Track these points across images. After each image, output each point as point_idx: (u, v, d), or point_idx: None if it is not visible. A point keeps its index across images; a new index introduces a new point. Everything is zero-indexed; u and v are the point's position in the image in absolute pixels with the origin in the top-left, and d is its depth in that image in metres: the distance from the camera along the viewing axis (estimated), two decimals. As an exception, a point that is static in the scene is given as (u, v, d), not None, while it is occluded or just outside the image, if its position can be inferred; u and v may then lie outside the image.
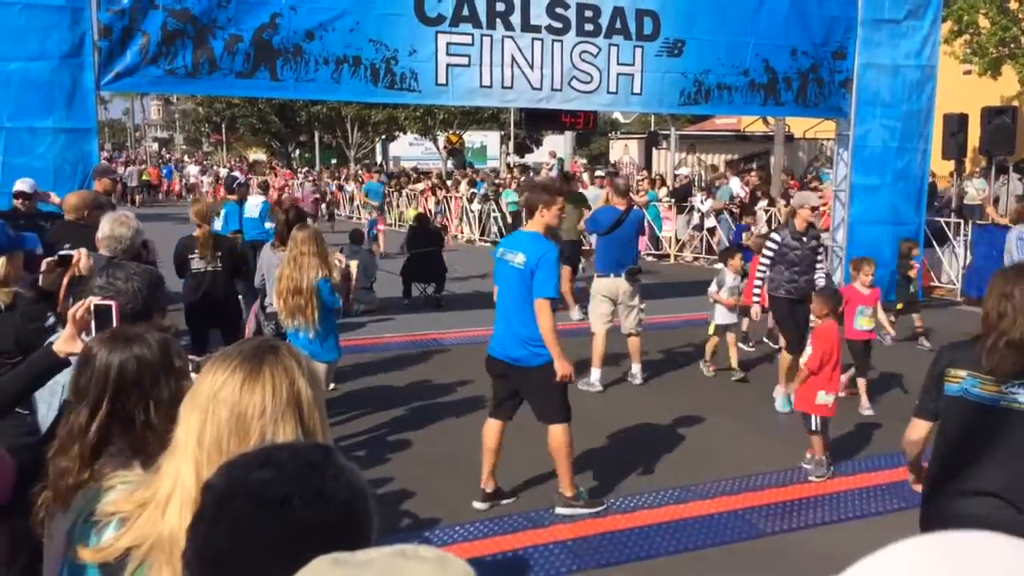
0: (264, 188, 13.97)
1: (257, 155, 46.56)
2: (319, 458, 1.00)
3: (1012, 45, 26.40)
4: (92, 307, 2.44)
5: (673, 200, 17.66)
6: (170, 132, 70.75)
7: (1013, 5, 26.28)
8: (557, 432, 4.98)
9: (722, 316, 8.07)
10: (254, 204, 11.45)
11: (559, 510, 5.03)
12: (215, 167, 38.42)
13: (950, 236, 13.11)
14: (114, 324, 2.40)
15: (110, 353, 1.83)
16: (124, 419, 1.80)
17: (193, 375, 1.77)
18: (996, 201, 14.93)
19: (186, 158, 48.13)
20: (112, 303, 2.47)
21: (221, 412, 1.34)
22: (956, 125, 13.90)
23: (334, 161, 40.74)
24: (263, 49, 8.31)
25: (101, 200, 6.19)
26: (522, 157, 34.80)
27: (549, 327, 4.78)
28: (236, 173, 29.55)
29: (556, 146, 31.68)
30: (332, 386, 7.01)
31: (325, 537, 0.92)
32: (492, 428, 5.16)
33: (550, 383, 4.87)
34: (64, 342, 2.40)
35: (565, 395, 5.02)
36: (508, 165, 31.73)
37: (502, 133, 38.05)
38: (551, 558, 4.56)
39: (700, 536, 4.88)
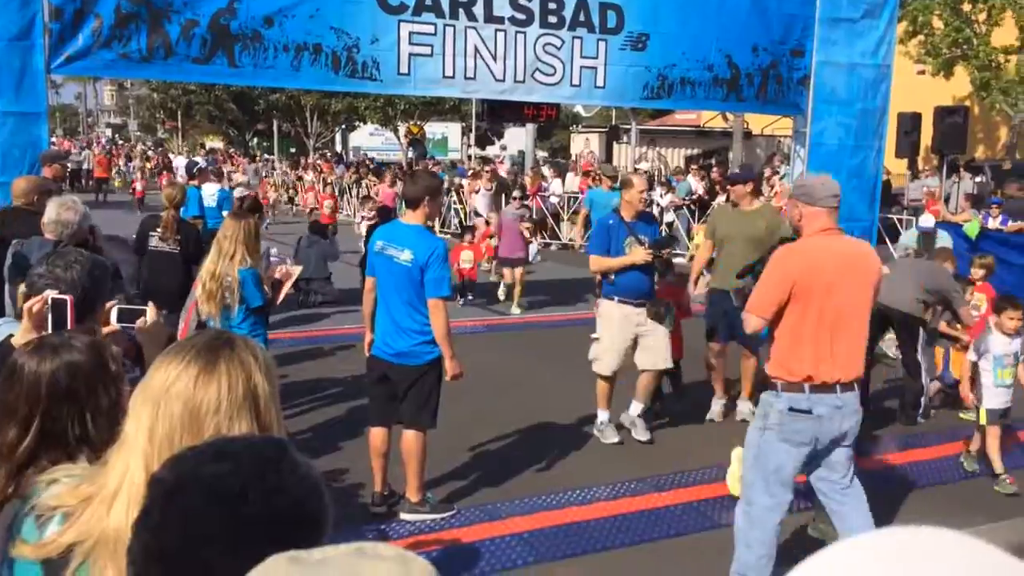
0: (219, 175, 13.75)
1: (214, 143, 45.80)
2: (274, 452, 0.98)
3: (964, 46, 26.98)
4: (49, 300, 2.37)
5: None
6: (124, 118, 69.35)
7: (966, 7, 26.85)
8: (415, 437, 4.84)
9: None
10: (210, 193, 11.27)
11: (403, 515, 4.90)
12: (170, 154, 37.61)
13: (903, 232, 13.39)
14: (69, 321, 2.34)
15: (39, 364, 1.68)
16: (57, 434, 1.66)
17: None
18: (947, 199, 15.26)
19: (149, 148, 43.34)
20: (68, 297, 2.39)
21: (174, 407, 1.30)
22: (909, 124, 14.17)
23: (292, 150, 40.28)
24: (220, 34, 8.15)
25: (50, 186, 6.07)
26: (483, 149, 34.73)
27: (444, 328, 4.66)
28: (197, 158, 29.04)
29: (517, 139, 31.68)
30: None
31: (280, 532, 0.90)
32: (378, 435, 5.01)
33: (426, 383, 4.76)
34: (22, 336, 2.33)
35: (437, 400, 4.88)
36: (470, 156, 31.65)
37: (463, 125, 37.94)
38: (507, 550, 4.57)
39: (656, 528, 4.92)
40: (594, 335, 6.32)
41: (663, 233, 10.20)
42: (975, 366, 5.89)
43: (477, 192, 16.61)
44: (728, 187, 6.57)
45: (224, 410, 1.30)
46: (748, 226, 6.67)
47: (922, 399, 7.04)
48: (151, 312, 2.43)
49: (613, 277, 6.21)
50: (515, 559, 4.48)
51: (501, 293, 11.98)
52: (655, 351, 6.17)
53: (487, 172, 18.06)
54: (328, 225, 13.85)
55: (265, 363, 1.39)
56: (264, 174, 26.84)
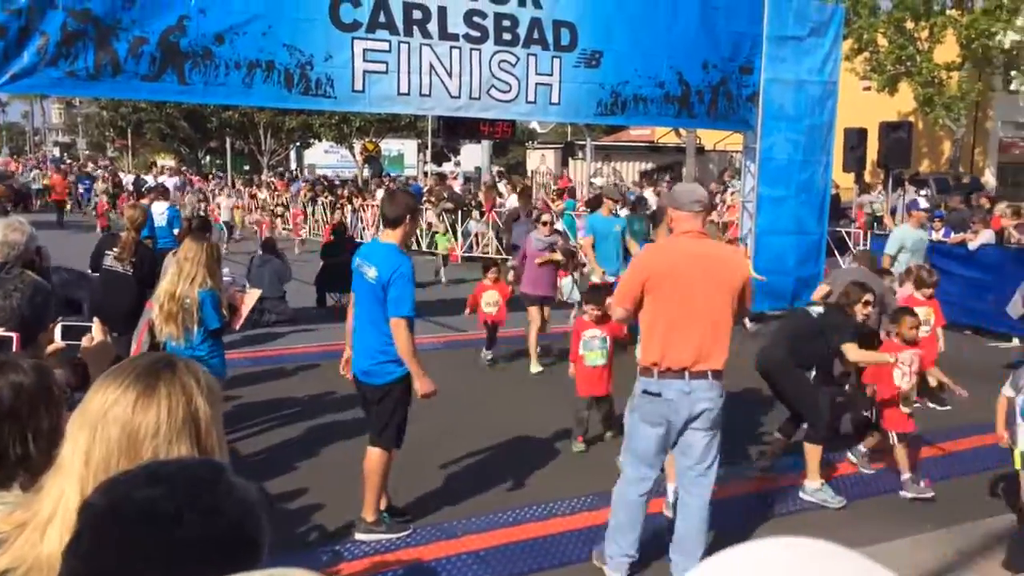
0: (165, 194, 13.59)
1: (165, 161, 45.17)
2: (209, 474, 0.97)
3: (908, 63, 27.74)
4: None
5: (588, 209, 17.89)
6: (72, 136, 68.11)
7: (909, 25, 27.62)
8: (377, 455, 4.80)
9: None
10: (159, 211, 11.12)
11: (358, 535, 4.85)
12: (119, 173, 36.83)
13: (851, 246, 13.69)
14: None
15: None
16: None
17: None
18: (893, 212, 15.62)
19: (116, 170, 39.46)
20: (14, 335, 2.33)
21: (111, 431, 1.28)
22: (856, 139, 14.50)
23: (247, 168, 39.85)
24: (170, 52, 8.06)
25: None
26: (440, 165, 34.72)
27: (407, 346, 4.59)
28: (147, 177, 28.42)
29: (474, 155, 31.73)
30: None
31: (216, 555, 0.88)
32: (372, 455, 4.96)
33: (388, 401, 4.72)
34: None
35: (402, 420, 4.83)
36: (426, 174, 31.62)
37: (419, 142, 37.90)
38: (463, 568, 4.54)
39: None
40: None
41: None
42: (1010, 402, 5.16)
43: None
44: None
45: (163, 434, 1.28)
46: None
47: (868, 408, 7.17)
48: (97, 329, 2.38)
49: None
50: (472, 577, 4.46)
51: (535, 365, 8.90)
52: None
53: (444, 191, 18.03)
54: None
55: (207, 386, 1.37)
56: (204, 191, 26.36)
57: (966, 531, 5.16)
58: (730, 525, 4.92)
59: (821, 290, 6.65)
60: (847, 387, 6.62)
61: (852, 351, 5.72)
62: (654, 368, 4.16)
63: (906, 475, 5.74)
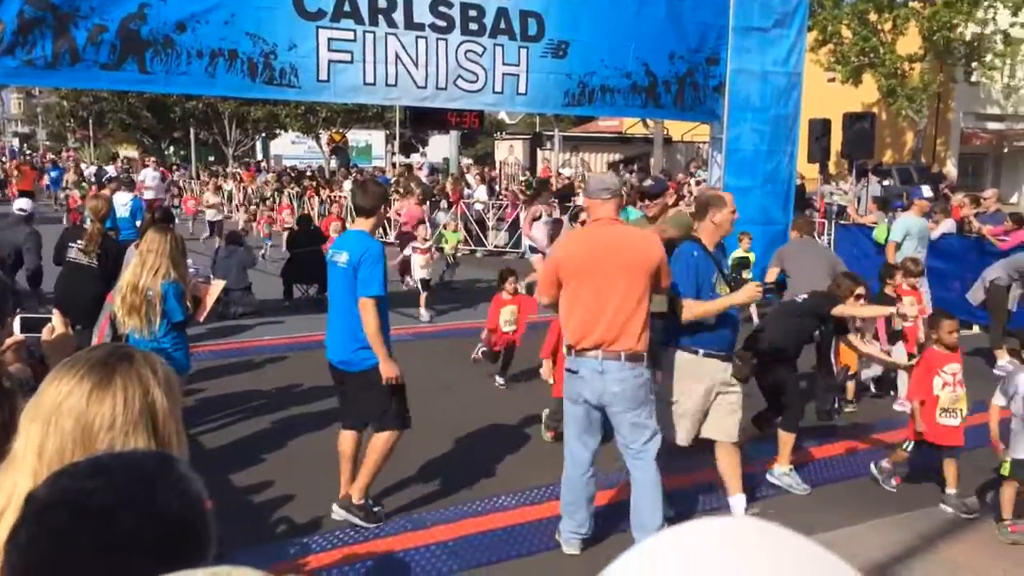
0: (129, 184, 13.37)
1: (128, 151, 44.46)
2: (153, 467, 0.95)
3: (872, 55, 28.07)
4: None
5: (557, 200, 17.92)
6: (32, 127, 66.78)
7: (873, 17, 27.95)
8: (383, 439, 4.80)
9: None
10: (122, 203, 10.95)
11: (335, 508, 4.88)
12: (81, 164, 36.09)
13: (815, 236, 13.83)
14: None
15: None
16: None
17: None
18: (857, 201, 15.83)
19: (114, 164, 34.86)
20: None
21: (65, 423, 1.26)
22: (820, 130, 14.64)
23: (211, 159, 39.36)
24: (130, 40, 7.92)
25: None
26: (408, 157, 34.56)
27: (374, 327, 4.62)
28: (108, 168, 27.84)
29: (442, 146, 31.62)
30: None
31: (156, 551, 0.87)
32: (346, 438, 5.01)
33: (377, 387, 4.72)
34: None
35: (401, 402, 4.83)
36: (394, 164, 31.47)
37: (387, 132, 37.70)
38: (432, 559, 4.54)
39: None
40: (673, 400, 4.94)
41: None
42: (1002, 411, 4.94)
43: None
44: (646, 201, 6.03)
45: (119, 426, 1.26)
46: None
47: (835, 395, 7.27)
48: (57, 321, 2.33)
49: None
50: (439, 567, 4.46)
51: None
52: (731, 417, 4.94)
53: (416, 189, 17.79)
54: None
55: (165, 378, 1.35)
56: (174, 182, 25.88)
57: (927, 515, 5.26)
58: (699, 510, 4.96)
59: (772, 273, 6.65)
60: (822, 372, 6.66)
61: (847, 308, 5.67)
62: (572, 348, 4.41)
63: (951, 490, 5.35)
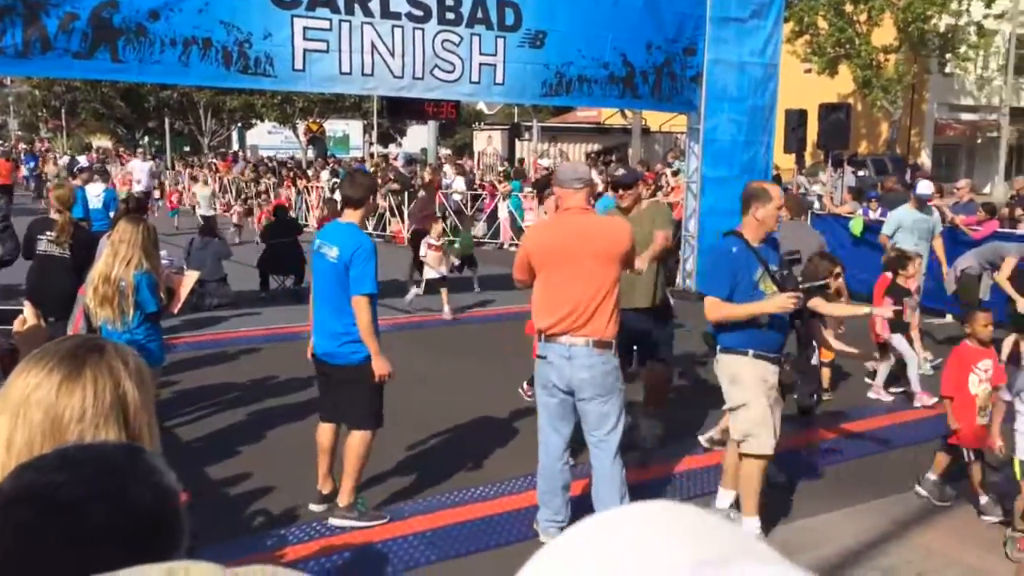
0: (104, 175, 13.20)
1: (102, 142, 43.91)
2: (123, 460, 0.93)
3: (847, 46, 28.27)
4: None
5: (534, 191, 17.89)
6: (3, 117, 65.77)
7: (849, 8, 28.13)
8: (359, 438, 4.77)
9: None
10: (95, 193, 10.82)
11: (332, 520, 4.81)
12: (53, 153, 35.53)
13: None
14: None
15: None
16: None
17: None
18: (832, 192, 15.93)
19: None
20: None
21: (34, 415, 1.24)
22: (796, 120, 14.72)
23: (187, 149, 38.97)
24: (102, 28, 7.81)
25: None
26: (386, 147, 34.41)
27: (368, 324, 4.61)
28: (80, 158, 27.44)
29: (420, 137, 31.49)
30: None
31: (126, 545, 0.85)
32: (324, 431, 4.98)
33: (362, 384, 4.69)
34: None
35: (379, 401, 4.81)
36: (372, 155, 31.30)
37: (365, 122, 37.48)
38: (410, 549, 4.54)
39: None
40: (728, 406, 4.71)
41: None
42: (1008, 406, 4.71)
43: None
44: (619, 191, 5.96)
45: (89, 418, 1.24)
46: (638, 231, 6.44)
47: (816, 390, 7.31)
48: (29, 312, 2.30)
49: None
50: (417, 558, 4.45)
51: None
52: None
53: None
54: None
55: (136, 370, 1.33)
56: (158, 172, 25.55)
57: (902, 501, 5.32)
58: (676, 499, 4.97)
59: None
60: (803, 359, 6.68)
61: (821, 305, 5.42)
62: (542, 334, 4.45)
63: (985, 498, 5.08)
